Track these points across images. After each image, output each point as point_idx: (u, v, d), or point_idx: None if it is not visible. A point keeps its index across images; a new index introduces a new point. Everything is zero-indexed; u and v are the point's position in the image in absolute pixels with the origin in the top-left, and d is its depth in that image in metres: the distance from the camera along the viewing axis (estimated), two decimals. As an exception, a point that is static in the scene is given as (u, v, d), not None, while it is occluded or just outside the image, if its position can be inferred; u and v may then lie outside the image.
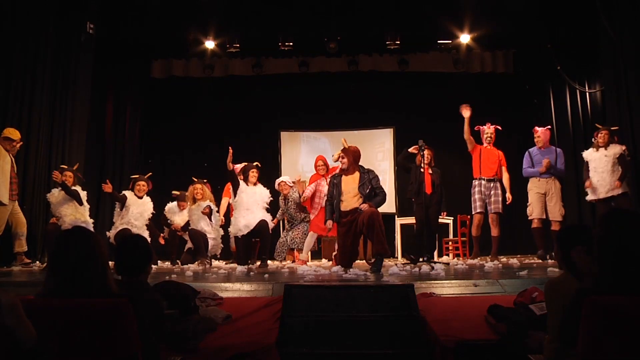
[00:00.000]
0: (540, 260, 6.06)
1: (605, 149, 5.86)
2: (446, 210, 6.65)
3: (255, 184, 6.23)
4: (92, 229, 5.42)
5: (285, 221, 6.79)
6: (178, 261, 6.45)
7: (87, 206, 6.38)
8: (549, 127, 6.61)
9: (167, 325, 2.40)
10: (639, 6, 5.60)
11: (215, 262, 6.80)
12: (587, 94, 7.73)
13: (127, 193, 6.47)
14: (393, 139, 9.16)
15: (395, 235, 8.04)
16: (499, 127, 6.59)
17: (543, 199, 6.19)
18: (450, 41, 8.53)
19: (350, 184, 5.19)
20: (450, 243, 7.74)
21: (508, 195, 6.40)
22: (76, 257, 1.83)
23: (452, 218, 7.78)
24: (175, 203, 6.96)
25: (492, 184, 6.38)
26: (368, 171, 5.28)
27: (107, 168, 8.38)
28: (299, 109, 9.40)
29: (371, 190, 5.13)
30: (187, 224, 6.62)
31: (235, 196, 6.16)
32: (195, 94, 9.26)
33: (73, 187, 6.15)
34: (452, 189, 7.73)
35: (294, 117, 9.41)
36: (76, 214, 6.16)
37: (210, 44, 8.44)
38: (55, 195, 6.20)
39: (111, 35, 7.97)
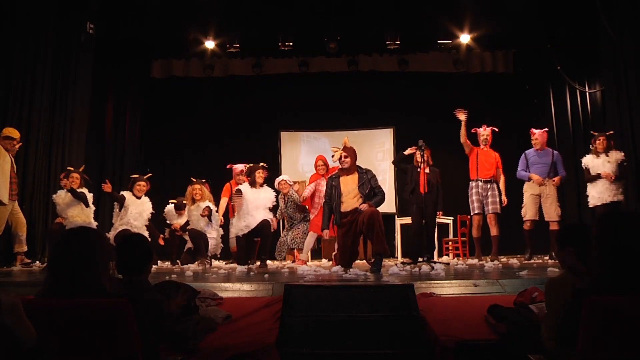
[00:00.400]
0: (527, 261, 6.10)
1: (606, 155, 5.90)
2: (442, 210, 6.64)
3: (261, 185, 6.14)
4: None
5: (285, 220, 6.77)
6: (178, 261, 6.45)
7: (92, 208, 6.40)
8: (547, 129, 6.61)
9: (167, 325, 2.40)
10: (639, 6, 5.60)
11: (215, 262, 6.80)
12: (587, 94, 7.73)
13: (126, 193, 6.47)
14: (393, 139, 9.16)
15: (395, 235, 8.04)
16: (496, 129, 6.61)
17: (537, 201, 6.24)
18: (450, 41, 8.53)
19: (349, 185, 5.18)
20: (450, 243, 7.75)
21: (503, 197, 6.43)
22: (75, 256, 1.83)
23: (452, 218, 7.78)
24: (173, 207, 6.95)
25: (489, 185, 6.40)
26: (366, 171, 5.27)
27: (107, 168, 8.37)
28: (299, 109, 9.40)
29: (370, 190, 5.13)
30: (187, 223, 6.62)
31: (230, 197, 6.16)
32: (195, 94, 9.26)
33: (80, 190, 6.17)
34: (452, 189, 7.74)
35: (294, 117, 9.42)
36: (82, 215, 6.18)
37: (210, 44, 8.44)
38: (62, 196, 6.20)
39: (111, 35, 7.97)
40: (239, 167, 6.91)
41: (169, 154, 9.29)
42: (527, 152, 6.45)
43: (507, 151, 6.79)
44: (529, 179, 6.28)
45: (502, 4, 7.43)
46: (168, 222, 6.89)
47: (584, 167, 6.14)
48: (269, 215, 6.10)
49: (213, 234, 6.57)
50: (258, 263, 6.04)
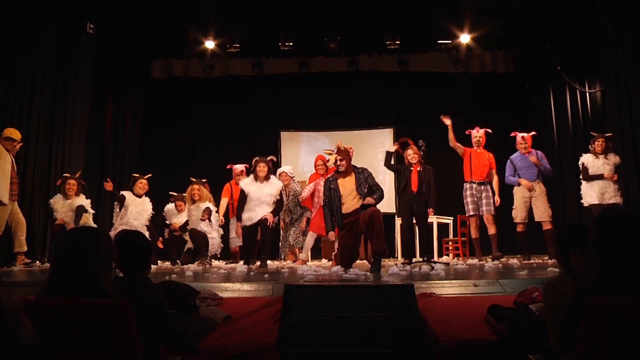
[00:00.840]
0: (526, 261, 6.15)
1: (605, 156, 6.00)
2: (434, 208, 6.62)
3: (266, 179, 5.93)
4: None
5: (285, 215, 6.69)
6: (178, 261, 6.45)
7: (91, 212, 6.41)
8: (534, 132, 6.65)
9: (168, 325, 2.40)
10: (639, 6, 5.60)
11: (215, 262, 6.81)
12: (587, 94, 7.73)
13: (126, 193, 6.47)
14: (393, 139, 9.15)
15: (395, 235, 8.04)
16: (489, 130, 6.62)
17: (528, 203, 6.34)
18: (450, 41, 8.53)
19: (347, 186, 5.18)
20: (450, 243, 7.74)
21: (497, 198, 6.48)
22: (77, 256, 1.83)
23: (452, 218, 7.78)
24: (173, 205, 6.95)
25: (482, 187, 6.45)
26: (362, 170, 5.28)
27: (107, 168, 8.37)
28: (299, 109, 9.40)
29: (368, 188, 5.14)
30: (186, 223, 6.62)
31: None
32: (195, 94, 9.26)
33: (77, 196, 6.20)
34: (452, 189, 7.73)
35: (294, 117, 9.42)
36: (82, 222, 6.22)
37: (210, 44, 8.44)
38: (60, 203, 6.23)
39: (111, 36, 7.97)
40: (239, 167, 6.91)
41: (169, 154, 9.28)
42: (512, 157, 6.52)
43: (507, 151, 6.79)
44: (519, 184, 6.36)
45: (502, 4, 7.43)
46: (167, 222, 6.89)
47: (580, 165, 6.20)
48: (269, 208, 5.92)
49: (213, 234, 6.57)
50: (258, 263, 6.04)
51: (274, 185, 5.98)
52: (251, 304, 3.38)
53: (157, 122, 9.27)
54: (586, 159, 6.15)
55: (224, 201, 6.87)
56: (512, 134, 6.58)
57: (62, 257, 1.87)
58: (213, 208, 6.57)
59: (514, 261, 6.02)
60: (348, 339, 3.09)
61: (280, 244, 6.53)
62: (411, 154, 6.04)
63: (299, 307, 3.28)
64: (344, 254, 5.14)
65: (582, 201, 6.25)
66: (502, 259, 6.28)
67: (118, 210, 6.48)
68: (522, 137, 6.44)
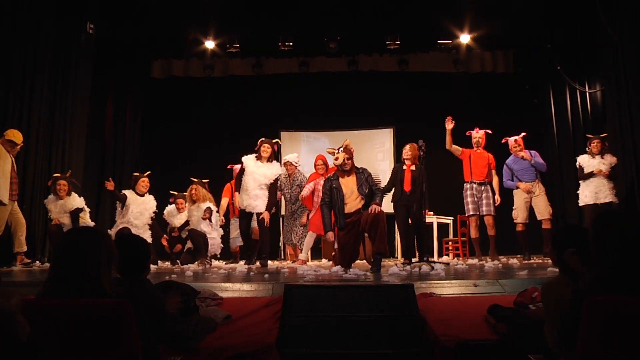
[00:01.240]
0: (526, 261, 6.17)
1: (602, 157, 6.14)
2: (428, 208, 6.60)
3: (268, 160, 5.95)
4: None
5: (283, 207, 6.62)
6: (178, 261, 6.45)
7: (87, 210, 6.40)
8: (524, 133, 6.64)
9: (168, 325, 2.40)
10: (639, 6, 5.59)
11: (215, 262, 6.81)
12: (587, 94, 7.73)
13: (127, 192, 6.47)
14: (393, 139, 9.16)
15: (395, 235, 8.03)
16: (489, 131, 6.63)
17: (528, 204, 6.39)
18: (450, 41, 8.54)
19: (349, 186, 5.17)
20: (450, 243, 7.74)
21: (497, 197, 6.51)
22: (77, 256, 1.83)
23: (452, 218, 7.78)
24: (174, 206, 6.96)
25: (482, 187, 6.47)
26: (362, 170, 5.27)
27: (107, 168, 8.37)
28: (299, 109, 9.39)
29: (369, 189, 5.13)
30: (186, 223, 6.62)
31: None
32: (195, 94, 9.26)
33: (69, 196, 6.20)
34: (452, 189, 7.73)
35: (294, 117, 9.42)
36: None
37: (210, 44, 8.44)
38: (53, 203, 6.24)
39: (111, 36, 7.97)
40: (239, 167, 6.90)
41: (169, 154, 9.28)
42: (507, 162, 6.54)
43: (506, 151, 6.79)
44: (517, 188, 6.41)
45: (502, 4, 7.43)
46: (169, 223, 6.90)
47: (577, 165, 6.34)
48: (264, 197, 5.90)
49: (213, 234, 6.57)
50: (258, 263, 6.04)
51: (272, 168, 5.99)
52: (251, 304, 3.38)
53: (157, 122, 9.27)
54: (582, 159, 6.31)
55: (224, 201, 6.88)
56: (503, 141, 6.58)
57: (61, 257, 1.87)
58: (214, 208, 6.57)
59: (514, 261, 6.02)
60: (348, 339, 3.08)
61: (280, 244, 6.53)
62: (406, 150, 5.96)
63: (299, 307, 3.28)
64: (344, 254, 5.14)
65: (578, 201, 6.34)
66: (502, 259, 6.30)
67: (120, 209, 6.48)
68: (515, 141, 6.47)
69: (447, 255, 7.57)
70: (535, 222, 6.44)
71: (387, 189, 5.98)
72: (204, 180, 6.70)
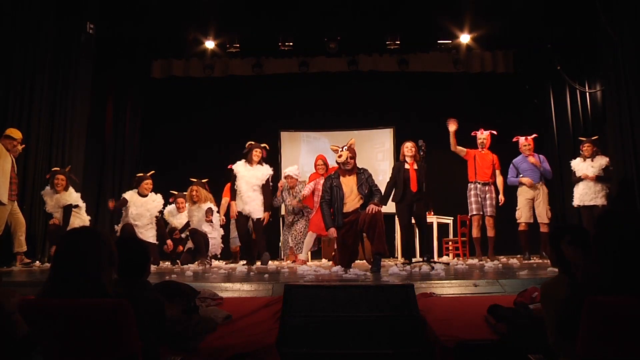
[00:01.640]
0: (526, 261, 6.22)
1: (592, 160, 6.30)
2: (432, 208, 6.62)
3: (259, 163, 6.26)
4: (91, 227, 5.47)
5: (285, 216, 6.73)
6: (178, 261, 6.46)
7: (82, 205, 6.39)
8: (536, 134, 6.75)
9: (168, 325, 2.40)
10: (639, 6, 5.59)
11: (215, 262, 6.81)
12: (587, 94, 7.73)
13: (129, 194, 6.48)
14: (393, 139, 9.15)
15: (395, 235, 8.04)
16: (494, 132, 6.65)
17: (531, 204, 6.46)
18: (450, 41, 8.53)
19: (349, 185, 5.17)
20: (450, 243, 7.74)
21: (501, 197, 6.54)
22: (77, 256, 1.83)
23: (452, 218, 7.78)
24: (174, 206, 6.96)
25: (486, 188, 6.49)
26: (363, 170, 5.27)
27: (107, 168, 8.37)
28: (299, 109, 9.39)
29: (369, 189, 5.13)
30: (187, 225, 6.62)
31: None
32: (195, 94, 9.26)
33: (65, 191, 6.21)
34: (452, 189, 7.74)
35: (294, 117, 9.41)
36: (76, 216, 6.20)
37: (210, 44, 8.44)
38: (49, 196, 6.23)
39: (111, 36, 7.97)
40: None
41: (169, 154, 9.27)
42: (515, 160, 6.62)
43: (505, 151, 6.80)
44: (520, 184, 6.47)
45: (502, 4, 7.43)
46: (169, 223, 6.90)
47: (572, 169, 6.48)
48: (260, 198, 6.18)
49: (214, 234, 6.58)
50: (258, 263, 6.04)
51: (263, 170, 6.29)
52: (251, 304, 3.38)
53: (157, 122, 9.26)
54: (575, 162, 6.49)
55: (224, 201, 6.88)
56: (515, 139, 6.66)
57: (62, 257, 1.87)
58: (214, 208, 6.57)
59: (514, 261, 6.03)
60: (348, 339, 3.09)
61: (280, 244, 6.55)
62: (408, 147, 5.87)
63: (299, 307, 3.28)
64: (344, 254, 5.14)
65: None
66: (502, 259, 6.31)
67: (124, 213, 6.54)
68: (526, 139, 6.57)
69: (447, 255, 7.57)
70: (536, 223, 6.47)
71: (388, 192, 5.84)
72: (203, 180, 6.70)
